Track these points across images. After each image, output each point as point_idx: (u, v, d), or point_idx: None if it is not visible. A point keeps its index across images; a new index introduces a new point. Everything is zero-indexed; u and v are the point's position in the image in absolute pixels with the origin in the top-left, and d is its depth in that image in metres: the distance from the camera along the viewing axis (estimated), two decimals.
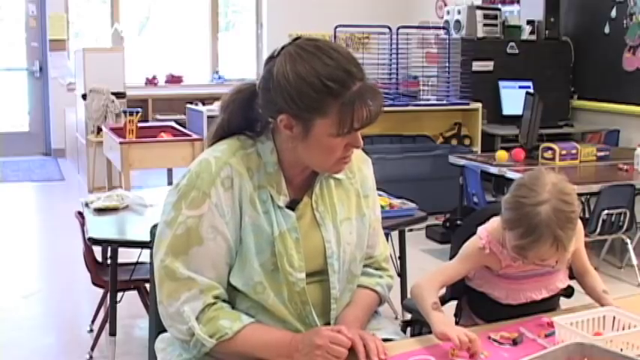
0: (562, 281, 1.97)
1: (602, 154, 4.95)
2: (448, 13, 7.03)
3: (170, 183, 5.19)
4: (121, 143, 5.01)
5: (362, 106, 1.53)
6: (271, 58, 1.59)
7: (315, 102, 1.52)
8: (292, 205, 1.66)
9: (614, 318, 1.70)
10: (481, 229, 1.90)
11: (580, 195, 3.96)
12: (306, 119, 1.55)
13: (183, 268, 1.59)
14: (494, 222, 1.88)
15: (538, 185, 1.70)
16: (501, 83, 6.58)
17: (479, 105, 6.44)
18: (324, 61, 1.53)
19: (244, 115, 1.67)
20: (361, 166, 1.81)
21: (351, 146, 1.60)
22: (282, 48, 1.59)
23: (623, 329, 1.66)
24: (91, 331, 3.61)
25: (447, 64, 6.60)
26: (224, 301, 1.63)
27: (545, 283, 1.93)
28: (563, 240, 1.66)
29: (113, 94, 6.65)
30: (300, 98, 1.53)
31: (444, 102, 6.61)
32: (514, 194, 1.73)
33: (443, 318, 1.71)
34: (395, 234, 3.57)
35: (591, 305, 1.89)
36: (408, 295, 1.94)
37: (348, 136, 1.57)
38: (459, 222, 4.84)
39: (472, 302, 2.06)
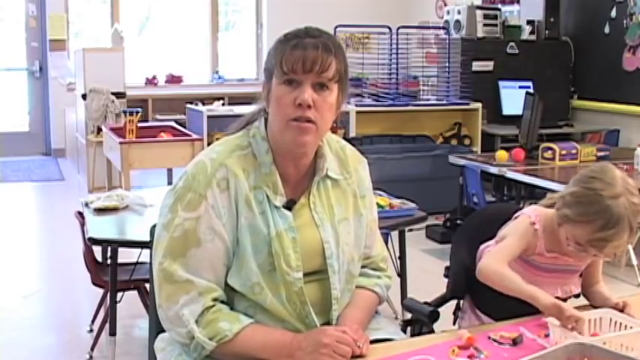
0: (576, 285, 1.96)
1: (602, 154, 4.94)
2: (448, 13, 7.03)
3: (170, 183, 5.19)
4: (121, 143, 5.00)
5: (296, 50, 1.57)
6: None
7: (272, 53, 1.62)
8: (289, 206, 1.66)
9: (610, 319, 1.70)
10: (527, 211, 1.91)
11: None
12: (269, 76, 1.63)
13: (181, 270, 1.59)
14: (534, 209, 1.90)
15: (610, 178, 1.73)
16: (501, 83, 6.58)
17: (479, 105, 6.44)
18: (297, 27, 1.63)
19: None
20: (357, 167, 1.81)
21: (298, 102, 1.57)
22: None
23: (620, 331, 1.66)
24: (91, 331, 3.61)
25: (447, 64, 6.60)
26: (222, 302, 1.63)
27: (563, 281, 1.93)
28: (634, 232, 1.71)
29: (113, 94, 6.64)
30: (268, 56, 1.64)
31: (444, 102, 6.61)
32: (588, 187, 1.74)
33: (543, 291, 1.74)
34: (395, 234, 3.57)
35: (589, 306, 1.89)
36: (408, 295, 1.94)
37: (295, 89, 1.58)
38: (459, 222, 4.84)
39: (478, 295, 2.05)
